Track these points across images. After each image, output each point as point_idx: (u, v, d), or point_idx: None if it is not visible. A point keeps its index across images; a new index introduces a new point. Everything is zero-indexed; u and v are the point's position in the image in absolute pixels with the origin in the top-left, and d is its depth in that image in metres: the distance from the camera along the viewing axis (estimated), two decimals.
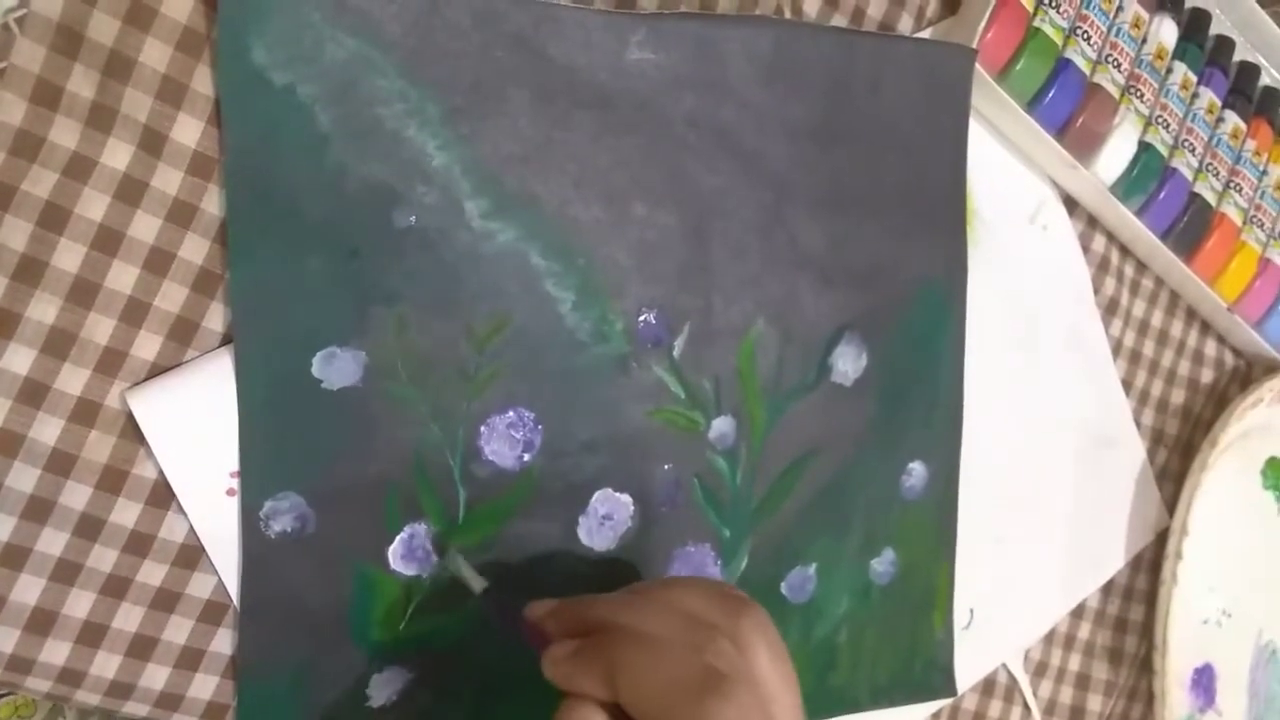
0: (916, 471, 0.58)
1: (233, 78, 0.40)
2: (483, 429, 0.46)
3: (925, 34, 0.58)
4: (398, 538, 0.45)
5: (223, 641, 0.44)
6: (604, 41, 0.46)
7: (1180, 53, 0.65)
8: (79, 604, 0.41)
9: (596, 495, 0.49)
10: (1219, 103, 0.67)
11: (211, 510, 0.42)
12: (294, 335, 0.42)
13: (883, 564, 0.58)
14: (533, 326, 0.46)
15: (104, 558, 0.41)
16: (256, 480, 0.42)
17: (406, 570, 0.45)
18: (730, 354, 0.51)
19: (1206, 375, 0.73)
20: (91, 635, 0.41)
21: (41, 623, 0.41)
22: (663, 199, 0.49)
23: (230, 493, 0.42)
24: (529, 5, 0.45)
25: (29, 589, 0.40)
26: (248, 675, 0.43)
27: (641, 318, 0.49)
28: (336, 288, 0.42)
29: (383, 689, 0.45)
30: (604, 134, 0.47)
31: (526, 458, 0.47)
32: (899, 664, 0.59)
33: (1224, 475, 0.70)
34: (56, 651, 0.41)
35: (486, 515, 0.46)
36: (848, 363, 0.54)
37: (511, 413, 0.46)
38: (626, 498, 0.49)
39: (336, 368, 0.43)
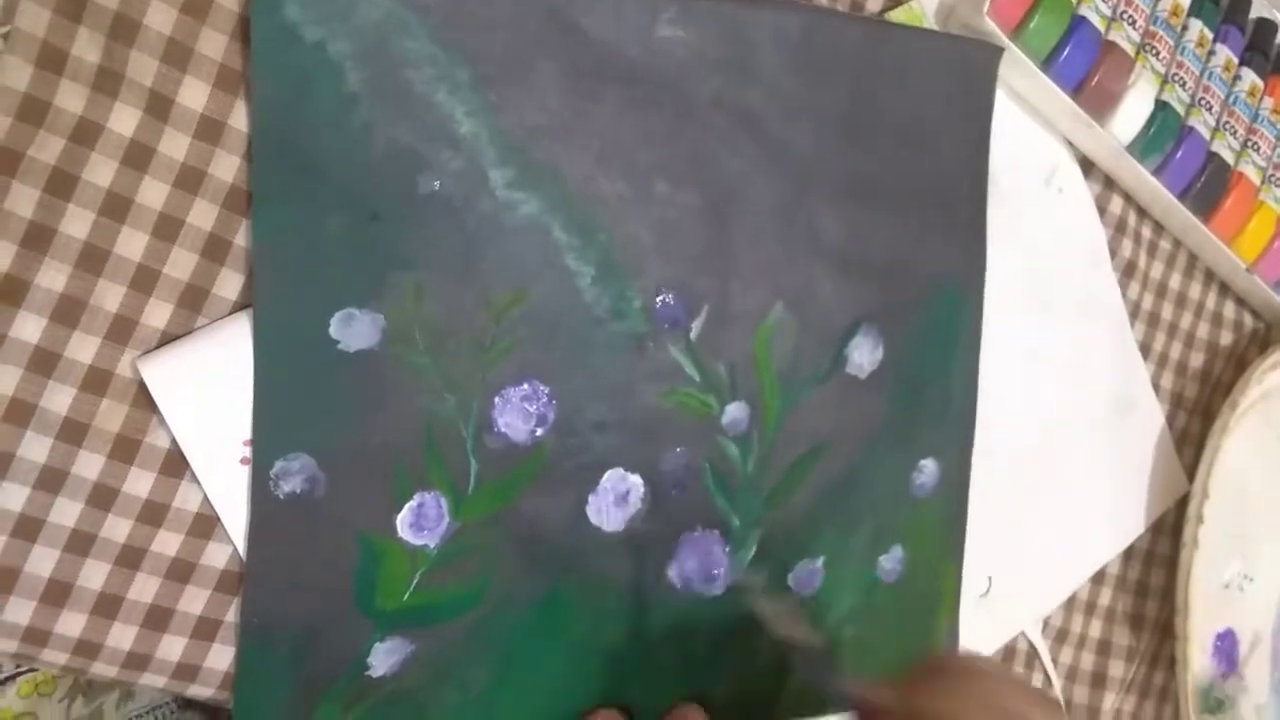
0: (928, 469, 0.58)
1: (265, 31, 0.40)
2: (497, 400, 0.45)
3: None
4: (406, 506, 0.44)
5: (239, 611, 0.44)
6: (634, 16, 0.46)
7: (1196, 9, 0.64)
8: (94, 575, 0.41)
9: (608, 475, 0.48)
10: (1236, 60, 0.66)
11: (226, 479, 0.42)
12: (313, 294, 0.42)
13: (891, 561, 0.57)
14: (551, 300, 0.46)
15: (118, 528, 0.41)
16: (269, 439, 0.42)
17: (414, 540, 0.45)
18: (747, 339, 0.51)
19: (1226, 337, 0.72)
20: (107, 606, 0.41)
21: (57, 594, 0.40)
22: (685, 179, 0.48)
23: (244, 461, 0.42)
24: None
25: (43, 560, 0.40)
26: (249, 636, 0.43)
27: (660, 297, 0.48)
28: (357, 249, 0.42)
29: (384, 659, 0.45)
30: (630, 109, 0.47)
31: (539, 432, 0.46)
32: (902, 662, 0.58)
33: (1244, 438, 0.70)
34: (72, 623, 0.41)
35: (496, 489, 0.46)
36: (863, 355, 0.54)
37: (526, 385, 0.46)
38: (637, 479, 0.49)
39: (354, 330, 0.42)
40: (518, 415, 0.46)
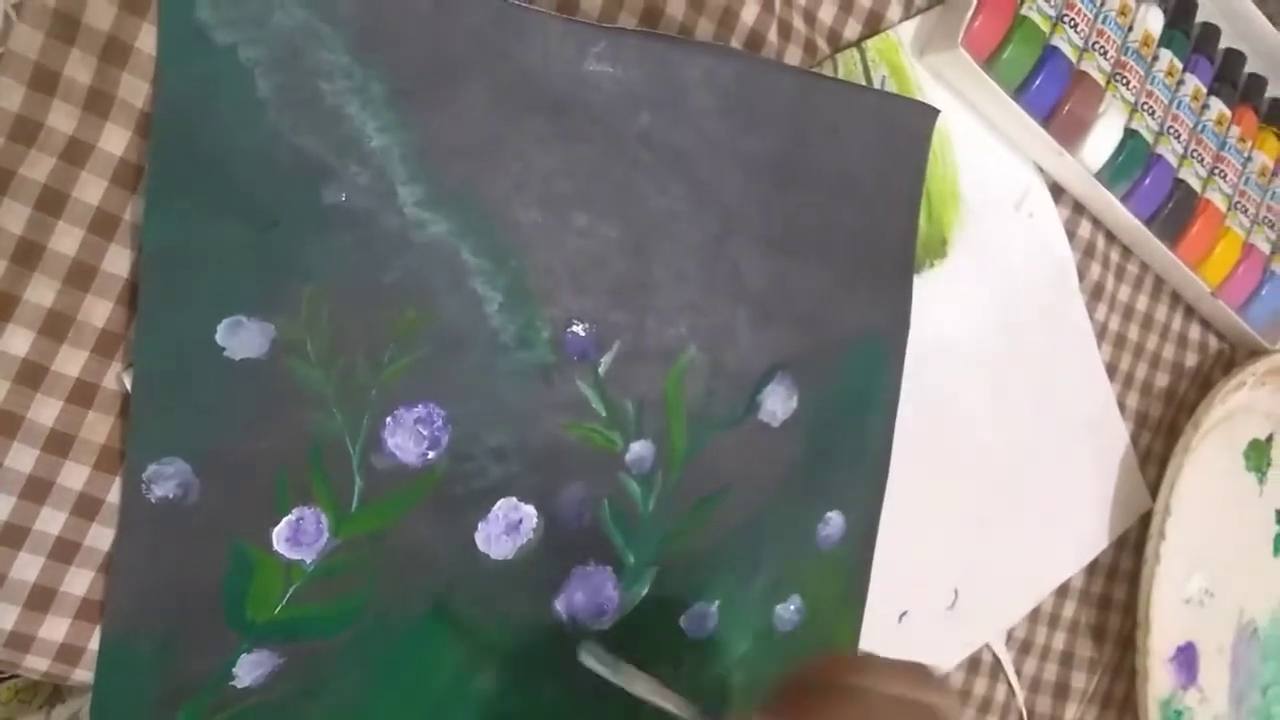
0: (834, 521, 0.57)
1: (174, 29, 0.39)
2: (388, 420, 0.45)
3: (913, 22, 0.58)
4: (285, 520, 0.44)
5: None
6: (563, 48, 0.46)
7: (1166, 40, 0.65)
8: (77, 582, 0.42)
9: (500, 503, 0.48)
10: (1204, 90, 0.67)
11: None
12: (201, 297, 0.41)
13: (788, 610, 0.57)
14: (455, 322, 0.46)
15: (102, 536, 0.42)
16: (144, 441, 0.41)
17: (290, 554, 0.44)
18: (658, 377, 0.51)
19: (1190, 359, 0.73)
20: (90, 612, 0.42)
21: (40, 600, 0.41)
22: (606, 213, 0.48)
23: None
24: (490, 1, 0.45)
25: (28, 567, 0.41)
26: (111, 636, 0.42)
27: (570, 329, 0.48)
28: (252, 255, 0.42)
29: (250, 670, 0.44)
30: (553, 139, 0.47)
31: (431, 455, 0.46)
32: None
33: (1207, 457, 0.71)
34: (55, 628, 0.42)
35: (381, 509, 0.45)
36: (777, 402, 0.54)
37: (421, 407, 0.45)
38: (530, 509, 0.49)
39: (241, 338, 0.42)
40: (409, 437, 0.45)
